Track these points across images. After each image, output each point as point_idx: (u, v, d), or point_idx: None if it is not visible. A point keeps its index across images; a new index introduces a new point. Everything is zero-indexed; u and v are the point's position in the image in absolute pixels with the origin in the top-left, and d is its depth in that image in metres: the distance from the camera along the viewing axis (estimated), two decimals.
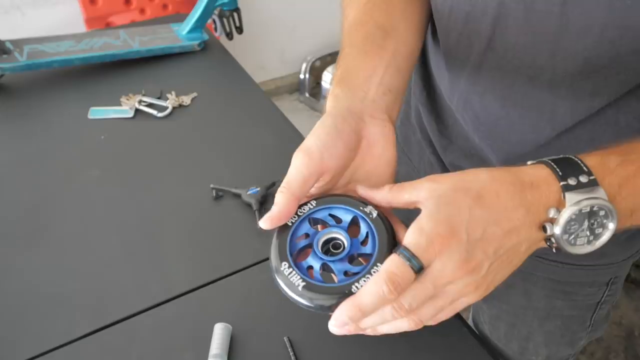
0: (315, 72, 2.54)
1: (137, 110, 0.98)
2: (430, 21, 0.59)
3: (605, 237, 0.41)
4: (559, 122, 0.52)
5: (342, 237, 0.43)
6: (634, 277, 1.70)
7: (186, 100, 1.01)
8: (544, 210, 0.40)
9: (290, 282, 0.41)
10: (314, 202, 0.43)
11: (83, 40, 1.08)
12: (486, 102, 0.56)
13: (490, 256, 0.39)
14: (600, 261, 0.65)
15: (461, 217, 0.38)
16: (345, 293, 0.39)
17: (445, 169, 0.69)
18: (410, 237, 0.38)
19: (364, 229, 0.42)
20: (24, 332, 0.64)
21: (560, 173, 0.40)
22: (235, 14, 1.24)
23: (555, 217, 0.40)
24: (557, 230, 0.40)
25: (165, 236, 0.77)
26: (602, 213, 0.40)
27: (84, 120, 0.96)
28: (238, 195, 0.81)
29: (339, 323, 0.39)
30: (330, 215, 0.43)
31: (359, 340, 0.64)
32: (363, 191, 0.44)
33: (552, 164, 0.41)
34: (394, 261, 0.38)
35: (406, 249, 0.38)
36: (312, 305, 0.40)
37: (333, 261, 0.41)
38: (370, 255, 0.41)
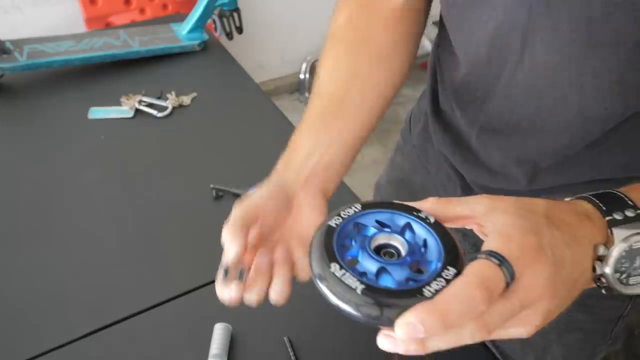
0: (315, 72, 2.54)
1: (137, 110, 0.98)
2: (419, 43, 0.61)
3: None
4: (589, 135, 0.51)
5: (398, 242, 0.37)
6: None
7: (186, 100, 1.01)
8: (594, 247, 0.37)
9: (344, 286, 0.32)
10: (358, 206, 0.38)
11: (83, 40, 1.08)
12: (515, 119, 0.55)
13: (565, 282, 0.34)
14: None
15: (544, 233, 0.34)
16: (418, 297, 0.31)
17: (464, 182, 0.67)
18: (497, 244, 0.33)
19: (421, 235, 0.37)
20: (24, 332, 0.64)
21: (604, 208, 0.38)
22: (235, 14, 1.24)
23: (604, 254, 0.37)
24: (608, 269, 0.37)
25: (165, 236, 0.77)
26: None
27: (84, 120, 0.96)
28: (238, 195, 0.81)
29: (408, 333, 0.30)
30: (377, 221, 0.38)
31: (358, 340, 0.64)
32: (408, 203, 0.40)
33: (593, 198, 0.39)
34: (484, 264, 0.31)
35: (496, 253, 0.32)
36: (372, 313, 0.32)
37: (392, 265, 0.34)
38: (435, 262, 0.35)
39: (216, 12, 1.22)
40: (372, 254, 0.35)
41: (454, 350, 0.33)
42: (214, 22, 1.24)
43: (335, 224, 0.37)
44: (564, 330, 0.70)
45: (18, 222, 0.78)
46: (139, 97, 1.00)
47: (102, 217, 0.79)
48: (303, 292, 0.71)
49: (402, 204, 0.39)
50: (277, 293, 0.46)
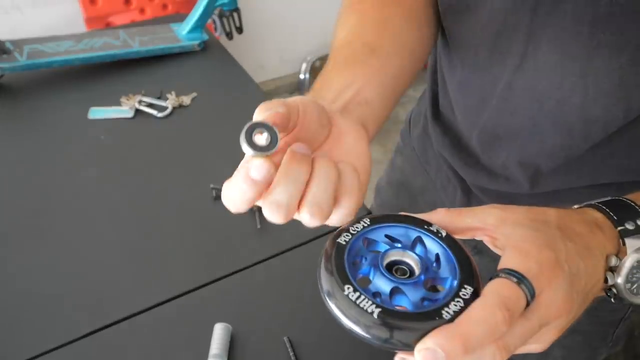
0: (315, 72, 2.54)
1: (137, 110, 0.98)
2: (434, 47, 0.58)
3: None
4: (592, 138, 0.51)
5: (411, 259, 0.35)
6: None
7: (186, 100, 1.01)
8: (605, 258, 0.37)
9: (359, 310, 0.31)
10: (367, 221, 0.37)
11: (83, 40, 1.08)
12: (516, 121, 0.55)
13: (580, 294, 0.34)
14: None
15: (559, 246, 0.33)
16: (437, 320, 0.30)
17: (464, 184, 0.67)
18: (515, 261, 0.32)
19: (433, 249, 0.36)
20: (24, 332, 0.64)
21: (614, 217, 0.37)
22: (235, 14, 1.24)
23: (616, 265, 0.36)
24: (620, 279, 0.36)
25: (165, 236, 0.77)
26: None
27: (84, 120, 0.96)
28: None
29: (427, 358, 0.29)
30: (387, 236, 0.37)
31: (358, 340, 0.64)
32: (417, 215, 0.38)
33: (603, 207, 0.38)
34: (504, 284, 0.30)
35: (515, 271, 0.31)
36: (389, 337, 0.30)
37: (407, 284, 0.33)
38: (450, 279, 0.34)
39: (216, 12, 1.22)
40: (385, 273, 0.34)
41: None
42: (214, 22, 1.24)
43: (345, 240, 0.35)
44: (566, 333, 0.70)
45: (18, 221, 0.78)
46: (139, 97, 1.00)
47: (102, 217, 0.79)
48: (303, 292, 0.71)
49: (412, 217, 0.37)
50: (315, 203, 0.34)
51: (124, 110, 0.98)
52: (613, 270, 0.37)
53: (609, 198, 0.40)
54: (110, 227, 0.78)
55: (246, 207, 0.34)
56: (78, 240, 0.76)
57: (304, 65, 2.52)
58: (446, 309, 0.31)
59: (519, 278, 0.31)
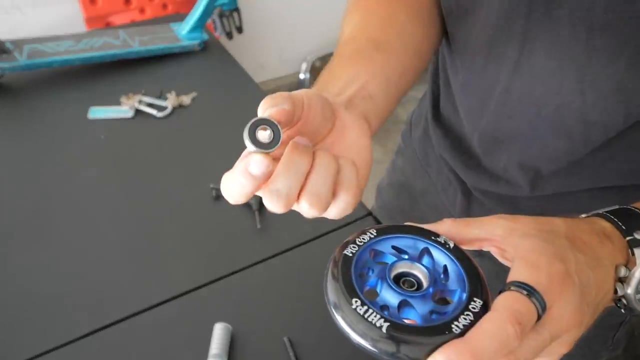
0: (315, 72, 2.54)
1: (137, 110, 0.98)
2: (440, 44, 0.58)
3: None
4: (592, 142, 0.51)
5: (419, 271, 0.35)
6: None
7: (186, 100, 1.01)
8: (615, 268, 0.36)
9: (367, 324, 0.30)
10: (374, 232, 0.36)
11: (83, 40, 1.08)
12: (515, 125, 0.55)
13: (590, 305, 0.33)
14: None
15: (568, 257, 0.33)
16: (447, 335, 0.30)
17: (465, 187, 0.67)
18: (525, 273, 0.32)
19: (440, 261, 0.36)
20: (24, 332, 0.64)
21: (623, 227, 0.37)
22: (235, 14, 1.24)
23: (626, 275, 0.36)
24: (630, 290, 0.36)
25: (165, 236, 0.77)
26: None
27: (84, 120, 0.96)
28: None
29: None
30: (394, 247, 0.36)
31: None
32: (423, 225, 0.38)
33: (611, 216, 0.38)
34: (514, 297, 0.30)
35: (526, 284, 0.31)
36: (398, 351, 0.30)
37: (415, 297, 0.33)
38: (459, 292, 0.33)
39: (216, 12, 1.22)
40: (393, 286, 0.33)
41: None
42: (214, 22, 1.25)
43: (352, 252, 0.35)
44: None
45: (18, 221, 0.78)
46: (139, 97, 1.00)
47: (102, 216, 0.79)
48: (303, 292, 0.71)
49: (419, 228, 0.37)
50: (314, 194, 0.35)
51: (123, 110, 0.98)
52: (622, 280, 0.36)
53: (616, 207, 0.39)
54: (110, 227, 0.78)
55: (244, 200, 0.35)
56: (78, 240, 0.76)
57: (304, 65, 2.52)
58: (456, 322, 0.30)
59: (530, 291, 0.30)
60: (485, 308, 0.32)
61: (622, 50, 0.43)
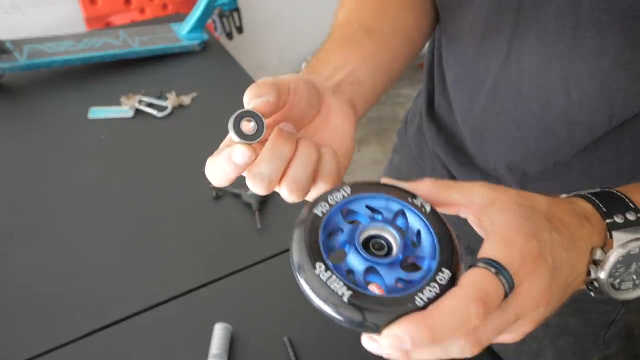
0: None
1: (137, 110, 0.98)
2: (432, 35, 0.58)
3: None
4: (577, 143, 0.51)
5: (390, 234, 0.34)
6: None
7: (186, 100, 1.01)
8: (590, 251, 0.36)
9: (329, 290, 0.30)
10: (347, 189, 0.35)
11: (83, 40, 1.08)
12: (502, 122, 0.55)
13: (560, 286, 0.33)
14: None
15: (544, 237, 0.32)
16: (408, 307, 0.29)
17: None
18: (497, 250, 0.31)
19: (414, 225, 0.34)
20: (24, 332, 0.65)
21: (604, 209, 0.37)
22: (235, 14, 1.24)
23: (601, 258, 0.36)
24: (602, 274, 0.36)
25: (165, 236, 0.77)
26: None
27: (84, 120, 0.96)
28: (238, 195, 0.81)
29: (393, 344, 0.28)
30: (368, 207, 0.35)
31: (358, 340, 0.64)
32: (402, 183, 0.37)
33: (593, 198, 0.37)
34: (482, 275, 0.29)
35: (495, 261, 0.30)
36: (359, 320, 0.29)
37: (382, 264, 0.32)
38: (428, 260, 0.32)
39: (216, 12, 1.22)
40: (361, 251, 0.32)
41: None
42: (214, 22, 1.25)
43: (322, 212, 0.33)
44: (557, 335, 0.70)
45: (18, 221, 0.78)
46: (139, 97, 1.00)
47: (102, 216, 0.79)
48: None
49: (396, 187, 0.36)
50: (294, 180, 0.36)
51: (123, 110, 0.98)
52: (597, 263, 0.36)
53: (599, 189, 0.39)
54: (110, 227, 0.78)
55: (227, 183, 0.37)
56: (78, 240, 0.76)
57: (303, 65, 2.52)
58: (420, 294, 0.30)
59: (498, 269, 0.30)
60: (453, 281, 0.31)
61: (607, 50, 0.43)
